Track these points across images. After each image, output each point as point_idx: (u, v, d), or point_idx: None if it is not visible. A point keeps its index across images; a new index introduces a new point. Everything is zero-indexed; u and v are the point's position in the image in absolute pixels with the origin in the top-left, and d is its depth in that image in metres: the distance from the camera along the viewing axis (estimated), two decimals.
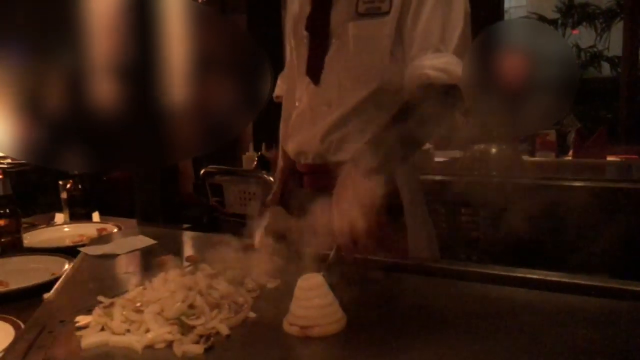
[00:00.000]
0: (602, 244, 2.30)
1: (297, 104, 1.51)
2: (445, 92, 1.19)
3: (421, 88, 1.25)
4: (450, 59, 1.24)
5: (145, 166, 1.50)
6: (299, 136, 1.49)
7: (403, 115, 1.21)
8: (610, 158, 3.01)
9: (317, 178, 1.44)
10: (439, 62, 1.24)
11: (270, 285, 1.14)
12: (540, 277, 1.11)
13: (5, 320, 1.07)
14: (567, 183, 2.54)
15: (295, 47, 1.52)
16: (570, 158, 3.10)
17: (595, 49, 4.42)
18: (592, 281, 1.07)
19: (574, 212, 2.41)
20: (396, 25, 1.32)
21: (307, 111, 1.46)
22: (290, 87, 1.57)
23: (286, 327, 0.94)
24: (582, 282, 1.08)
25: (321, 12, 1.40)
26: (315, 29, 1.42)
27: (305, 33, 1.44)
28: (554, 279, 1.10)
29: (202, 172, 3.24)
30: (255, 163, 3.50)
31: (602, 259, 2.19)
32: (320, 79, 1.41)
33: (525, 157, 3.07)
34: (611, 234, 2.29)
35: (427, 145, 3.00)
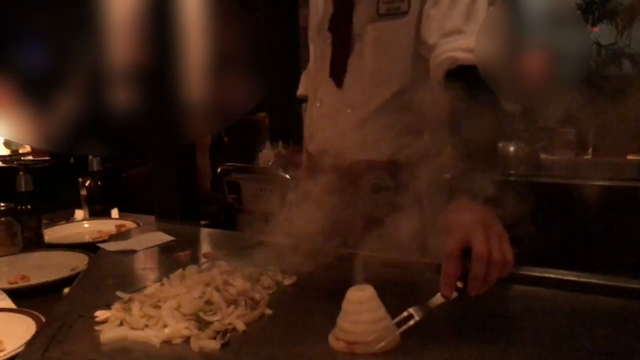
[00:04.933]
0: (622, 244, 2.27)
1: (318, 104, 1.50)
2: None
3: (449, 75, 1.18)
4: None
5: (157, 150, 1.51)
6: (322, 136, 1.48)
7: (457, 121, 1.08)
8: (630, 157, 2.96)
9: (341, 176, 1.42)
10: (465, 42, 1.15)
11: (287, 282, 1.14)
12: (559, 276, 1.10)
13: (27, 314, 1.09)
14: (586, 182, 2.50)
15: (318, 48, 1.50)
16: (589, 157, 3.06)
17: (616, 47, 4.35)
18: (612, 281, 1.06)
19: (593, 211, 2.38)
20: (416, 23, 1.28)
21: (331, 112, 1.45)
22: (313, 87, 1.55)
23: (332, 342, 0.88)
24: (602, 281, 1.06)
25: (343, 13, 1.38)
26: (338, 30, 1.39)
27: (328, 34, 1.42)
28: (572, 278, 1.09)
29: (219, 169, 3.25)
30: (272, 160, 3.50)
31: (623, 259, 2.16)
32: (343, 82, 1.39)
33: (544, 156, 3.04)
34: (632, 233, 2.26)
35: None
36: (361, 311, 0.87)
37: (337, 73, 1.41)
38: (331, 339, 0.89)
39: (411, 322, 0.87)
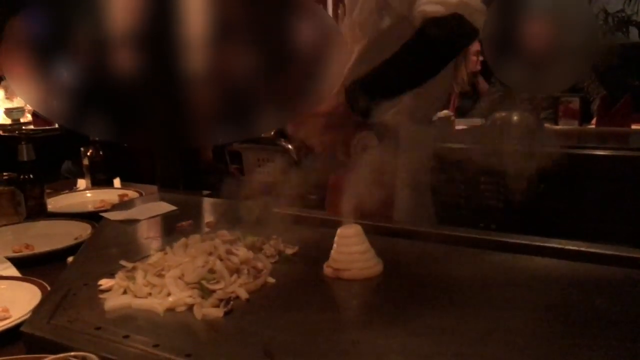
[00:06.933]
0: (625, 214, 2.27)
1: None
2: (449, 24, 1.18)
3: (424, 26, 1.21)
4: None
5: (166, 142, 1.47)
6: None
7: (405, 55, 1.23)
8: (635, 126, 2.93)
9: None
10: None
11: (289, 251, 1.15)
12: (559, 245, 1.10)
13: (32, 282, 1.10)
14: (590, 152, 2.49)
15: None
16: (593, 126, 3.04)
17: (623, 14, 4.27)
18: (611, 250, 1.06)
19: (596, 181, 2.37)
20: None
21: None
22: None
23: (324, 269, 1.04)
24: (601, 251, 1.07)
25: None
26: None
27: None
28: (572, 247, 1.09)
29: None
30: (274, 131, 3.49)
31: (625, 229, 2.16)
32: None
33: (548, 125, 3.02)
34: (634, 203, 2.26)
35: (448, 113, 2.95)
36: (349, 244, 1.03)
37: None
38: (324, 267, 1.04)
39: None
